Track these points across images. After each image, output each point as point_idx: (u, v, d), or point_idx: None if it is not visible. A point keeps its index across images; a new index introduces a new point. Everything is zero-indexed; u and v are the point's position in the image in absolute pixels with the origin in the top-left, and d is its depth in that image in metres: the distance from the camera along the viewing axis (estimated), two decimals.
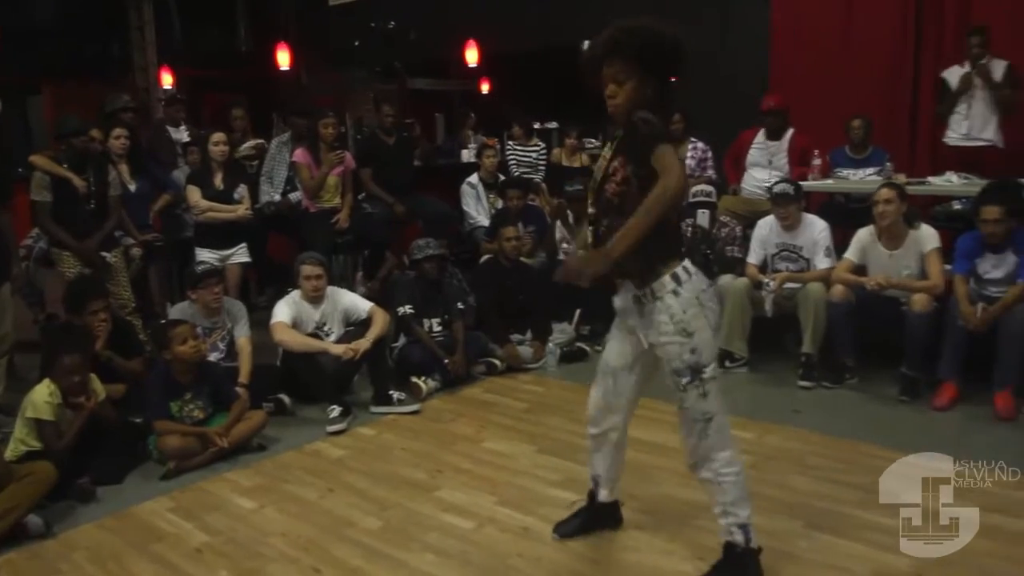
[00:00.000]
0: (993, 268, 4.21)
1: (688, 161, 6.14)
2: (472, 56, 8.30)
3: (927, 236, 4.43)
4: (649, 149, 2.36)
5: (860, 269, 4.58)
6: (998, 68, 5.33)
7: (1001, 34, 5.41)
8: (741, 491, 2.60)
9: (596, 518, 3.06)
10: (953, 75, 5.48)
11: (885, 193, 4.41)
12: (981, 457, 3.30)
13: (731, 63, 6.54)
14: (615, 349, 2.76)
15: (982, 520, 2.85)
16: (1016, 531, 2.95)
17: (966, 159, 5.33)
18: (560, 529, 3.07)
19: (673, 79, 2.50)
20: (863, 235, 4.58)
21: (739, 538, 2.61)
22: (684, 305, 2.49)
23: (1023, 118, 5.53)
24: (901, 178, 5.03)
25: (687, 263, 2.54)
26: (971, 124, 5.45)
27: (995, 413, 4.03)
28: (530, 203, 6.25)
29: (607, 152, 2.60)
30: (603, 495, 3.02)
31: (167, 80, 9.58)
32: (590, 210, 2.63)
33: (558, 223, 5.83)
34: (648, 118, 2.38)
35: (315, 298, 4.58)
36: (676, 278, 2.49)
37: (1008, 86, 5.31)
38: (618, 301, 2.70)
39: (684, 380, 2.51)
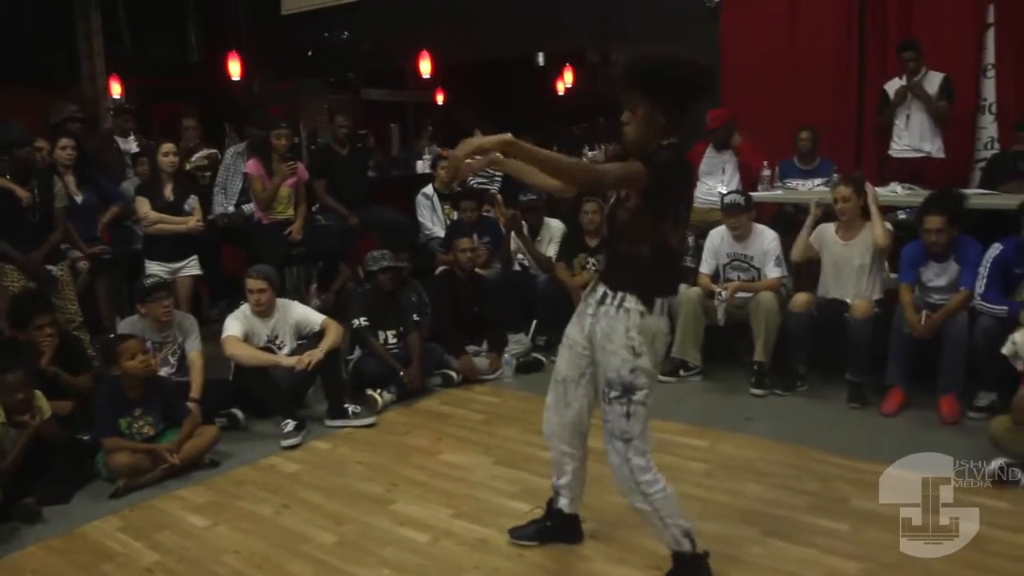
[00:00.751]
0: (936, 276, 4.32)
1: None
2: (426, 67, 8.29)
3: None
4: (629, 153, 2.46)
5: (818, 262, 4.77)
6: (934, 81, 5.49)
7: (941, 45, 5.57)
8: (673, 502, 2.63)
9: (554, 529, 3.06)
10: (892, 87, 5.66)
11: (843, 191, 4.56)
12: None
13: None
14: (564, 357, 2.77)
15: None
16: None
17: (908, 170, 5.48)
18: (515, 532, 3.09)
19: (688, 104, 2.53)
20: (821, 227, 4.76)
21: (686, 545, 2.64)
22: (642, 331, 2.52)
23: (961, 129, 5.72)
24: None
25: (666, 302, 2.58)
26: (911, 136, 5.61)
27: (940, 417, 4.14)
28: (485, 214, 6.25)
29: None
30: (563, 504, 3.02)
31: (116, 90, 9.40)
32: (604, 230, 2.67)
33: (512, 234, 5.85)
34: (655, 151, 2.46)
35: (263, 312, 4.53)
36: (651, 305, 2.52)
37: (944, 98, 5.48)
38: (590, 297, 2.70)
39: (613, 393, 2.53)
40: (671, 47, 2.50)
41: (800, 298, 4.58)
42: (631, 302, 2.52)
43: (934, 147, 5.59)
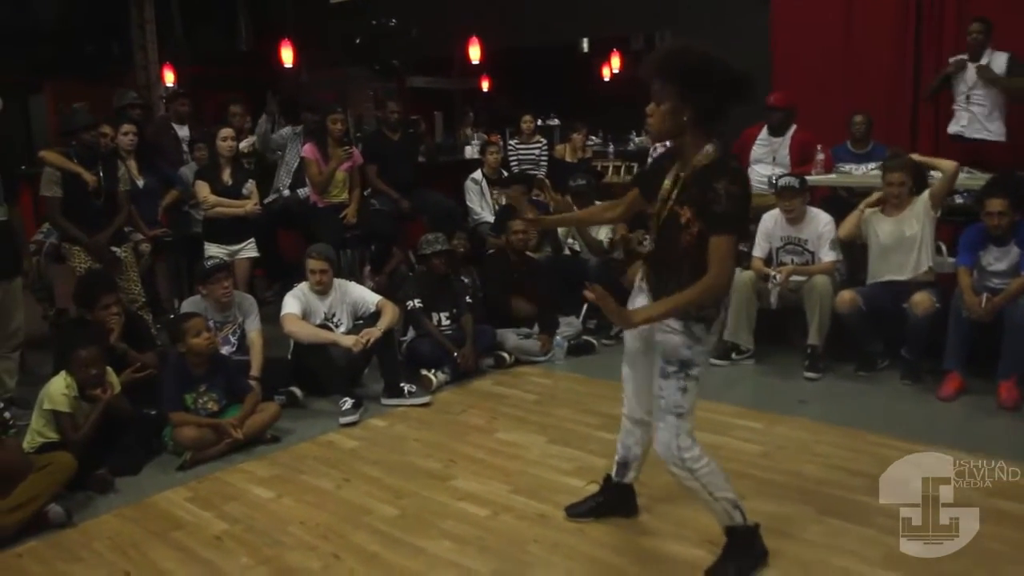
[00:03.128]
0: (996, 260, 4.26)
1: None
2: (474, 53, 8.33)
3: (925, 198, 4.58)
4: (711, 230, 2.39)
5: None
6: (999, 61, 5.38)
7: (1002, 28, 5.46)
8: (720, 475, 2.64)
9: (610, 502, 3.11)
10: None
11: (896, 176, 4.56)
12: (985, 446, 3.39)
13: (733, 59, 6.58)
14: (632, 334, 2.80)
15: (989, 505, 2.92)
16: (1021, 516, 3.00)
17: (972, 153, 5.38)
18: (572, 510, 3.14)
19: (718, 109, 2.45)
20: (871, 215, 4.73)
21: (738, 518, 2.66)
22: (702, 319, 2.53)
23: (1023, 113, 5.61)
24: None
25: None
26: (971, 116, 5.50)
27: (999, 403, 4.09)
28: (535, 198, 6.29)
29: (671, 190, 2.52)
30: (630, 476, 3.06)
31: (169, 78, 9.59)
32: (649, 243, 2.65)
33: None
34: (726, 194, 2.36)
35: (322, 291, 4.62)
36: (692, 334, 2.52)
37: (1014, 75, 5.36)
38: (636, 287, 2.75)
39: (671, 368, 2.55)
40: (711, 45, 2.42)
41: (845, 296, 4.56)
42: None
43: (995, 130, 5.48)
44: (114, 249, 4.95)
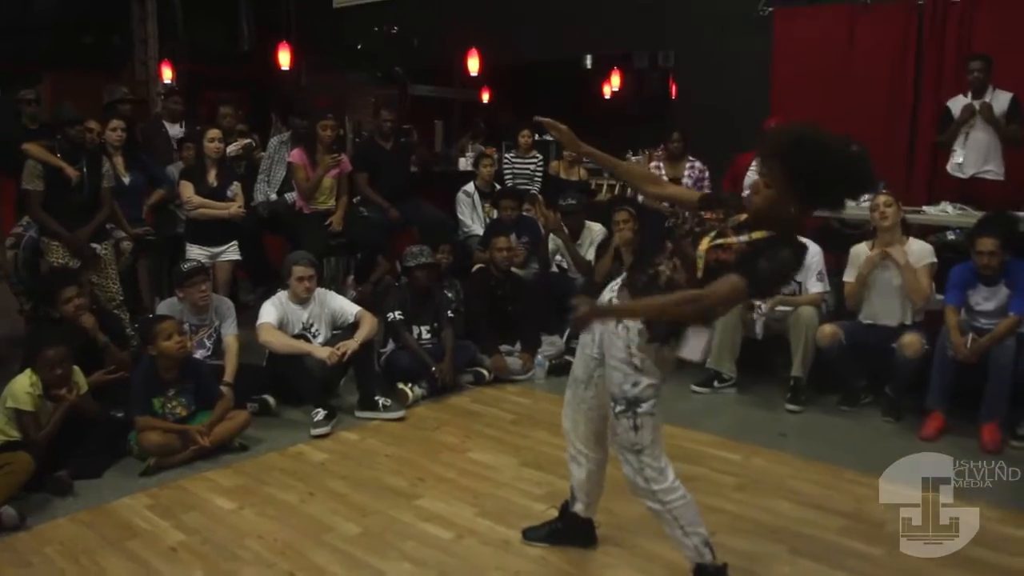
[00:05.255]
0: (985, 300, 4.21)
1: (685, 180, 6.15)
2: (474, 65, 8.29)
3: (921, 249, 4.49)
4: (738, 269, 2.27)
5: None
6: (1002, 100, 5.32)
7: (1002, 66, 5.42)
8: (693, 511, 2.58)
9: (567, 532, 3.04)
10: (957, 104, 5.47)
11: (884, 198, 4.48)
12: (968, 490, 3.32)
13: (732, 86, 6.56)
14: (579, 357, 2.77)
15: (967, 554, 2.86)
16: (1001, 567, 2.93)
17: (967, 190, 5.32)
18: (529, 533, 3.09)
19: (825, 204, 2.35)
20: (856, 250, 4.66)
21: (708, 556, 2.59)
22: (644, 349, 2.45)
23: (1017, 150, 5.55)
24: None
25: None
26: (969, 155, 5.44)
27: (981, 445, 4.02)
28: (525, 214, 6.24)
29: (727, 222, 2.39)
30: (578, 508, 2.99)
31: (167, 75, 9.55)
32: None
33: (551, 235, 5.82)
34: (779, 259, 2.26)
35: (304, 299, 4.55)
36: (657, 338, 2.45)
37: (1013, 120, 5.31)
38: (601, 298, 2.67)
39: (619, 408, 2.49)
40: (845, 139, 2.21)
41: (826, 330, 4.50)
42: (632, 321, 2.47)
43: (995, 169, 5.41)
44: (94, 246, 4.88)
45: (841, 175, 2.20)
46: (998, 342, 4.04)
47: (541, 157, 7.34)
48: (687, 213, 2.61)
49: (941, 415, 4.19)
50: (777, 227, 2.30)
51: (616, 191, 8.64)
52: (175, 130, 6.61)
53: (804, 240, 4.72)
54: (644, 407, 2.47)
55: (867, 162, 2.29)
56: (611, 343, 2.51)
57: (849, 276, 4.63)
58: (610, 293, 2.63)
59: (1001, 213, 4.45)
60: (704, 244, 2.37)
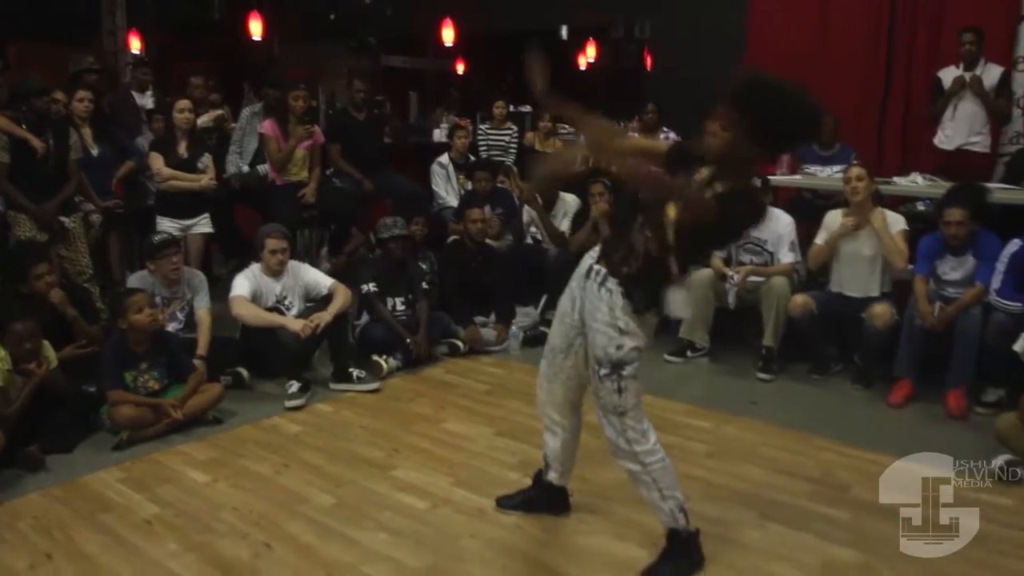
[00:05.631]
0: (952, 270, 4.27)
1: None
2: (448, 35, 8.22)
3: (894, 220, 4.53)
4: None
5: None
6: (992, 74, 5.36)
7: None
8: (672, 475, 2.62)
9: (540, 499, 3.08)
10: (948, 75, 5.50)
11: (856, 171, 4.52)
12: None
13: (707, 57, 6.54)
14: (556, 327, 2.77)
15: None
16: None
17: (951, 162, 5.37)
18: (502, 500, 3.12)
19: (782, 148, 2.42)
20: (830, 216, 4.69)
21: (682, 521, 2.64)
22: (627, 311, 2.48)
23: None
24: None
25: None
26: (956, 127, 5.47)
27: (947, 412, 4.10)
28: (499, 185, 6.22)
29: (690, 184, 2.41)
30: (552, 477, 3.03)
31: (135, 45, 9.36)
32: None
33: (526, 207, 5.81)
34: (744, 200, 2.36)
35: (277, 272, 4.53)
36: (635, 302, 2.48)
37: (1002, 95, 5.35)
38: (581, 262, 2.69)
39: (603, 371, 2.51)
40: (797, 84, 2.28)
41: (797, 300, 4.55)
42: (613, 284, 2.49)
43: (981, 140, 5.44)
44: (63, 219, 4.81)
45: (796, 116, 2.27)
46: (964, 311, 4.10)
47: (516, 128, 7.31)
48: None
49: (909, 383, 4.26)
50: (735, 173, 2.35)
51: (591, 163, 8.63)
52: (144, 100, 6.50)
53: (776, 210, 4.80)
54: (628, 370, 2.49)
55: (818, 108, 2.36)
56: (594, 307, 2.53)
57: (821, 238, 4.67)
58: (590, 260, 2.63)
59: (969, 184, 4.50)
60: (672, 211, 2.38)
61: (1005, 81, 5.36)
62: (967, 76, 5.35)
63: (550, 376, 2.81)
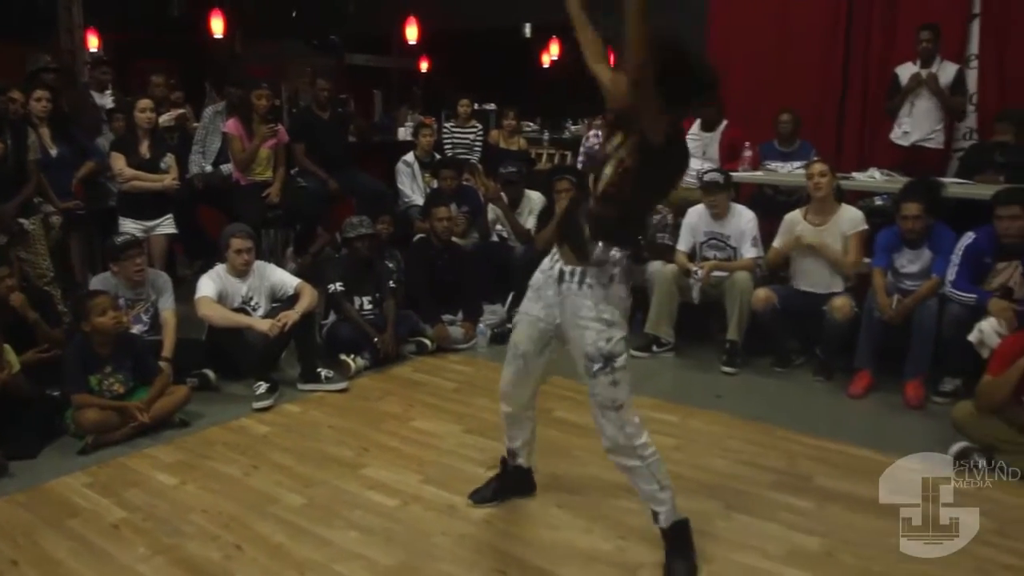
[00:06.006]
0: (910, 263, 4.37)
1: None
2: (411, 33, 8.21)
3: (853, 217, 4.62)
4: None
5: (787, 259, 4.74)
6: (948, 72, 5.48)
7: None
8: (663, 465, 2.67)
9: (510, 484, 3.14)
10: (905, 71, 5.62)
11: (819, 167, 4.60)
12: (890, 444, 3.49)
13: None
14: (524, 332, 2.77)
15: (891, 503, 3.00)
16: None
17: (907, 158, 5.49)
18: (475, 496, 3.15)
19: (683, 104, 2.46)
20: (789, 217, 4.77)
21: (680, 512, 2.69)
22: (609, 300, 2.53)
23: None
24: None
25: (625, 258, 2.55)
26: (914, 123, 5.59)
27: (905, 402, 4.20)
28: (465, 183, 6.24)
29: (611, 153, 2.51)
30: (521, 461, 3.10)
31: (93, 43, 9.22)
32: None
33: (491, 205, 5.84)
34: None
35: (242, 272, 4.50)
36: (611, 274, 2.52)
37: (957, 92, 5.47)
38: (539, 274, 2.71)
39: (596, 366, 2.54)
40: (685, 39, 2.45)
41: (760, 294, 4.62)
42: (595, 276, 2.53)
43: (936, 137, 5.57)
44: (22, 221, 4.74)
45: (695, 65, 2.42)
46: (921, 303, 4.21)
47: (480, 127, 7.34)
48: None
49: (869, 374, 4.36)
50: (644, 126, 2.38)
51: (556, 160, 8.70)
52: (104, 100, 6.42)
53: (738, 206, 4.88)
54: (619, 361, 2.54)
55: (716, 70, 2.52)
56: (577, 305, 2.55)
57: (778, 242, 4.75)
58: (558, 266, 2.64)
59: (925, 179, 4.61)
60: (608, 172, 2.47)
61: (960, 78, 5.49)
62: (924, 73, 5.46)
63: (520, 380, 2.83)
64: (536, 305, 2.71)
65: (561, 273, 2.60)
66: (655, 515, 2.70)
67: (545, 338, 2.71)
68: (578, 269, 2.56)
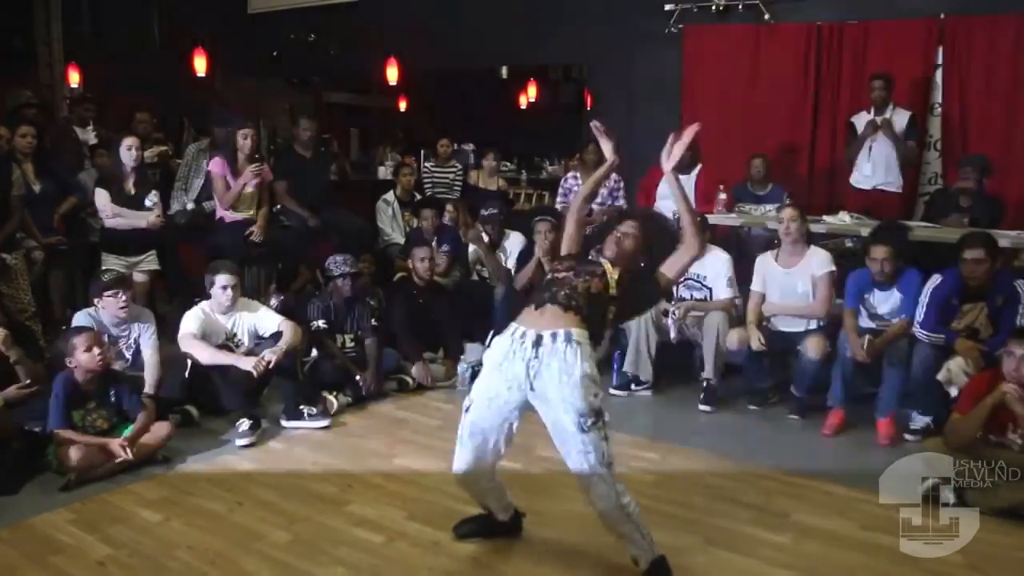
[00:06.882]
0: (881, 303, 4.51)
1: (601, 190, 6.33)
2: (393, 74, 8.32)
3: (821, 259, 4.75)
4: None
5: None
6: (902, 118, 5.67)
7: (893, 82, 5.78)
8: (639, 511, 2.78)
9: (495, 526, 3.17)
10: (860, 120, 5.81)
11: (790, 212, 4.76)
12: (863, 481, 3.57)
13: (644, 100, 6.78)
14: (484, 411, 2.80)
15: (867, 539, 3.11)
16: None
17: (867, 202, 5.65)
18: (459, 529, 3.20)
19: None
20: (761, 260, 4.91)
21: (656, 548, 2.77)
22: (592, 356, 2.69)
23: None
24: None
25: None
26: (873, 168, 5.77)
27: (878, 439, 4.30)
28: (446, 223, 6.32)
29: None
30: (502, 517, 3.15)
31: (74, 78, 9.24)
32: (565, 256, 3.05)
33: (471, 245, 5.92)
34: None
35: (227, 309, 4.53)
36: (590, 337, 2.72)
37: (911, 137, 5.67)
38: (497, 351, 2.75)
39: (589, 422, 2.61)
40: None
41: (733, 335, 4.74)
42: (578, 335, 2.65)
43: (895, 181, 5.75)
44: (4, 256, 4.75)
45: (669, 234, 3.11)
46: (892, 343, 4.34)
47: (460, 166, 7.46)
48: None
49: (842, 412, 4.46)
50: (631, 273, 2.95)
51: (534, 200, 8.83)
52: (86, 135, 6.45)
53: (714, 247, 5.02)
54: (606, 415, 2.66)
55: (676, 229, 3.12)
56: (569, 366, 2.61)
57: (756, 285, 4.87)
58: (531, 333, 2.71)
59: (892, 222, 4.77)
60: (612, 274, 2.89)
61: (913, 125, 5.70)
62: (878, 119, 5.67)
63: (483, 454, 2.85)
64: (497, 381, 2.73)
65: (539, 338, 2.65)
66: (635, 559, 2.79)
67: (507, 410, 2.76)
68: (561, 330, 2.64)
